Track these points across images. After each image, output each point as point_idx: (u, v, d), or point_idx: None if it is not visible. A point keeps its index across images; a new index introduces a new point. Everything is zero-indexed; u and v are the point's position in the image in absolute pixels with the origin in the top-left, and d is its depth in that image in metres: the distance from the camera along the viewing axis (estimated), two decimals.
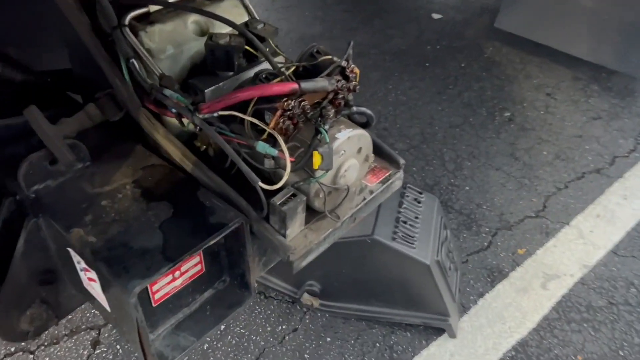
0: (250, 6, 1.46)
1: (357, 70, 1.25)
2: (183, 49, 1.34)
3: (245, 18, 1.45)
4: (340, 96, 1.22)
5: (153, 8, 1.34)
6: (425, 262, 1.99)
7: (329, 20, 4.44)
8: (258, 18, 1.48)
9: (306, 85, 1.10)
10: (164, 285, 1.22)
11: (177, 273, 1.22)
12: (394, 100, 3.53)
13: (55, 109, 1.37)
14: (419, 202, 2.22)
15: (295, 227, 1.22)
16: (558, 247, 2.57)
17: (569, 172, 2.98)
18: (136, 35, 1.29)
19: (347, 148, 1.20)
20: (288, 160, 1.07)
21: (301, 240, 1.23)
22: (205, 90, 1.25)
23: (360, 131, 1.21)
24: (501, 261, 2.50)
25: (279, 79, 1.15)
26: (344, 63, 1.20)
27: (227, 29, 1.35)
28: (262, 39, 1.29)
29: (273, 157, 1.14)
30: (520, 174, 2.96)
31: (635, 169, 2.99)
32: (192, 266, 1.26)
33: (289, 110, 1.12)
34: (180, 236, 1.13)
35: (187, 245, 1.11)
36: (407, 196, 2.22)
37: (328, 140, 1.11)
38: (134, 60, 1.26)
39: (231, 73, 1.29)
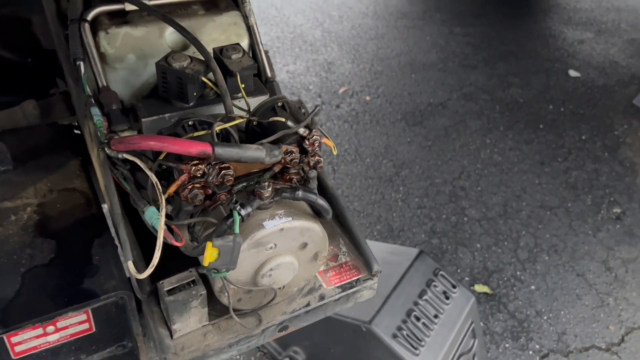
0: (256, 28, 1.18)
1: (329, 142, 0.92)
2: (149, 61, 1.10)
3: (244, 40, 1.18)
4: (294, 171, 0.90)
5: (130, 7, 1.11)
6: None
7: (449, 50, 4.02)
8: (261, 43, 1.20)
9: (224, 151, 0.81)
10: (30, 339, 1.00)
11: (50, 328, 1.00)
12: (486, 158, 3.07)
13: (15, 96, 1.21)
14: (448, 298, 1.81)
15: (190, 323, 0.93)
16: None
17: None
18: (95, 35, 1.07)
19: (280, 242, 0.89)
20: (160, 238, 0.78)
21: (196, 339, 0.94)
22: (143, 119, 1.00)
23: (305, 222, 0.89)
24: None
25: (197, 133, 0.87)
26: (301, 131, 0.88)
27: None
28: (230, 73, 1.01)
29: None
30: (606, 289, 2.39)
31: None
32: (75, 323, 1.02)
33: (199, 177, 0.83)
34: (37, 294, 0.90)
35: (33, 310, 0.87)
36: (435, 286, 1.82)
37: (237, 230, 0.81)
38: (81, 63, 1.05)
39: (187, 105, 1.03)
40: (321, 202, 0.89)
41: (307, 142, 0.89)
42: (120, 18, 1.11)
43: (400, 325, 1.69)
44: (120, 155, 0.88)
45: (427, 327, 1.72)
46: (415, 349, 1.65)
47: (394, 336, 1.65)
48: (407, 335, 1.67)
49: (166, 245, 0.82)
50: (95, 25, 1.08)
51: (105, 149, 0.91)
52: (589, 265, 2.49)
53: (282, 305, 1.00)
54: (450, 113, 3.38)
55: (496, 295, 2.32)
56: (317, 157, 0.90)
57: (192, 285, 0.89)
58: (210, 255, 0.79)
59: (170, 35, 1.13)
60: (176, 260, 0.91)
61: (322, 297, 1.03)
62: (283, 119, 0.89)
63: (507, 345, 2.15)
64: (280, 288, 0.96)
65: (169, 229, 0.84)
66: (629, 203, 2.84)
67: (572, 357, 2.13)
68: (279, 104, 0.94)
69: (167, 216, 0.86)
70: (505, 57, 4.02)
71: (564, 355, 2.13)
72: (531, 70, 3.90)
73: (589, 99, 3.64)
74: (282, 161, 0.88)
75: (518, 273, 2.44)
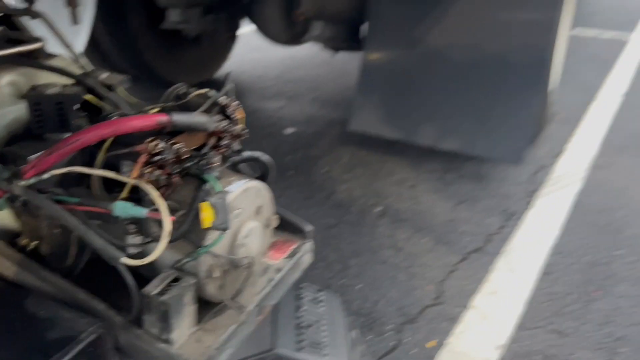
0: (89, 66, 1.16)
1: (242, 112, 0.98)
2: None
3: None
4: (225, 142, 0.93)
5: None
6: None
7: None
8: None
9: (180, 118, 0.80)
10: None
11: None
12: None
13: None
14: (319, 302, 1.90)
15: (183, 328, 0.84)
16: (466, 332, 2.37)
17: (452, 255, 2.91)
18: None
19: (244, 205, 0.90)
20: (166, 216, 0.73)
21: (194, 347, 0.85)
22: (29, 157, 0.88)
23: (257, 183, 0.92)
24: (415, 359, 2.22)
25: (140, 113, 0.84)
26: (222, 99, 0.93)
27: None
28: (109, 88, 0.98)
29: (139, 224, 0.78)
30: (407, 264, 2.81)
31: (510, 243, 3.02)
32: None
33: (158, 154, 0.80)
34: None
35: None
36: (305, 297, 1.89)
37: (219, 188, 0.80)
38: None
39: (67, 134, 0.94)
40: (265, 157, 0.94)
41: (230, 110, 0.93)
42: None
43: (297, 338, 1.70)
44: (46, 175, 0.77)
45: (318, 331, 1.77)
46: (322, 351, 1.68)
47: (299, 349, 1.65)
48: (309, 343, 1.69)
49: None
50: None
51: (16, 182, 0.78)
52: (386, 253, 2.90)
53: (251, 289, 0.98)
54: None
55: None
56: (240, 125, 0.95)
57: (176, 281, 0.82)
58: (208, 215, 0.76)
59: (6, 86, 1.02)
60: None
61: (278, 270, 1.04)
62: (205, 91, 0.92)
63: (370, 337, 2.33)
64: (251, 265, 0.94)
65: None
66: (383, 201, 3.42)
67: (417, 322, 2.43)
68: (182, 91, 0.96)
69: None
70: None
71: (411, 323, 2.42)
72: (258, 137, 4.38)
73: (312, 143, 4.28)
74: (216, 130, 0.90)
75: (342, 281, 2.67)
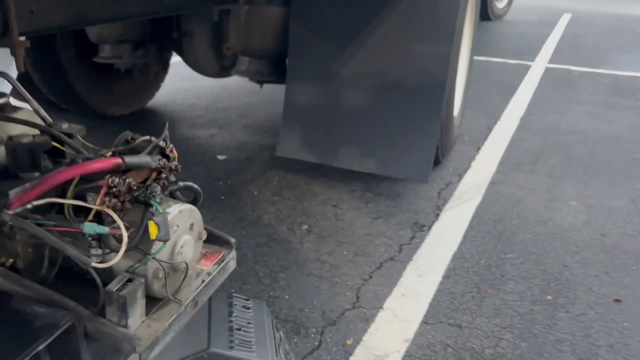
0: (49, 118, 1.42)
1: (175, 152, 1.28)
2: None
3: None
4: (164, 175, 1.23)
5: None
6: None
7: None
8: None
9: (130, 159, 1.10)
10: None
11: None
12: None
13: None
14: (248, 308, 2.19)
15: (137, 317, 1.12)
16: (379, 329, 2.72)
17: (369, 264, 3.27)
18: None
19: (180, 223, 1.19)
20: (124, 231, 1.02)
21: (145, 330, 1.13)
22: (10, 192, 1.14)
23: (190, 206, 1.22)
24: (334, 356, 2.54)
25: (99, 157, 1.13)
26: (162, 143, 1.23)
27: None
28: (70, 136, 1.26)
29: (101, 240, 1.06)
30: (329, 274, 3.15)
31: (419, 251, 3.43)
32: None
33: (114, 187, 1.08)
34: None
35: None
36: (235, 304, 2.18)
37: (161, 210, 1.09)
38: None
39: (37, 174, 1.21)
40: (196, 186, 1.24)
41: (167, 150, 1.23)
42: None
43: (229, 339, 1.98)
44: (29, 205, 1.03)
45: (247, 332, 2.06)
46: (251, 349, 1.97)
47: (231, 348, 1.94)
48: (239, 342, 1.97)
49: None
50: None
51: (5, 211, 1.04)
52: (311, 266, 3.23)
53: (188, 288, 1.27)
54: None
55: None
56: (175, 162, 1.25)
57: (131, 281, 1.10)
58: (154, 229, 1.05)
59: None
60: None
61: (209, 273, 1.33)
62: (147, 137, 1.22)
63: (295, 340, 2.63)
64: (186, 269, 1.23)
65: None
66: (309, 220, 3.76)
67: (338, 324, 2.76)
68: (129, 137, 1.25)
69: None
70: None
71: (333, 325, 2.75)
72: (190, 164, 4.62)
73: (243, 168, 4.57)
74: (157, 167, 1.20)
75: (272, 293, 2.97)
